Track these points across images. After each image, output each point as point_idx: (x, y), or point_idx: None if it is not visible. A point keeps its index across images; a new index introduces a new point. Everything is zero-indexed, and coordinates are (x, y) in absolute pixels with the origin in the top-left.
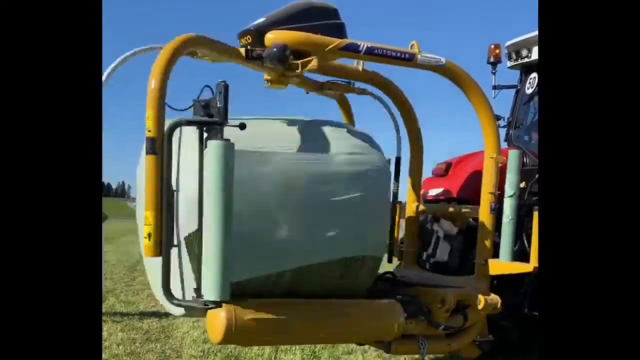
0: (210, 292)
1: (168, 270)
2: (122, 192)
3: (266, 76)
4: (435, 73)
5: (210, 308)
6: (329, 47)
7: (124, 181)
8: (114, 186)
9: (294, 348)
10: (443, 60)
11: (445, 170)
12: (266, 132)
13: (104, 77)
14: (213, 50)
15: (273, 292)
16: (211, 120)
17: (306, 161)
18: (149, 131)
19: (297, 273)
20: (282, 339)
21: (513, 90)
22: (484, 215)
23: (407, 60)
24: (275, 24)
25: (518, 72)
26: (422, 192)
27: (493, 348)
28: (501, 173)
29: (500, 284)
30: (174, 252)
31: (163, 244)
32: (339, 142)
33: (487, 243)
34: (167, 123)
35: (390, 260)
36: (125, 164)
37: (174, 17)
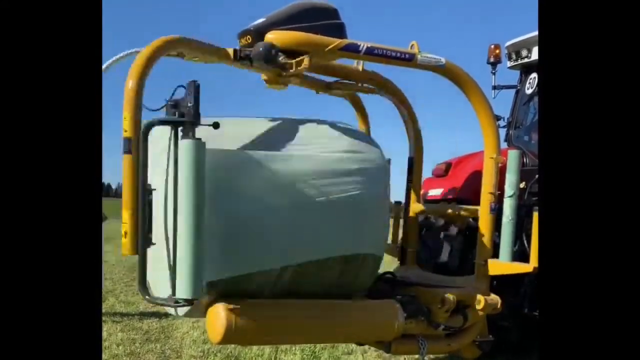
0: (181, 290)
1: (144, 267)
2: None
3: (263, 76)
4: (435, 73)
5: (182, 305)
6: (329, 47)
7: None
8: (114, 186)
9: (294, 348)
10: (443, 60)
11: (445, 171)
12: (263, 132)
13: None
14: (197, 52)
15: (273, 292)
16: (183, 120)
17: (304, 159)
18: (125, 131)
19: (296, 271)
20: (282, 339)
21: (513, 91)
22: (484, 215)
23: (407, 60)
24: (276, 24)
25: (518, 72)
26: (422, 192)
27: (493, 348)
28: (501, 173)
29: (500, 284)
30: (154, 249)
31: (139, 242)
32: (337, 140)
33: (487, 243)
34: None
35: (402, 263)
36: None
37: (174, 17)
